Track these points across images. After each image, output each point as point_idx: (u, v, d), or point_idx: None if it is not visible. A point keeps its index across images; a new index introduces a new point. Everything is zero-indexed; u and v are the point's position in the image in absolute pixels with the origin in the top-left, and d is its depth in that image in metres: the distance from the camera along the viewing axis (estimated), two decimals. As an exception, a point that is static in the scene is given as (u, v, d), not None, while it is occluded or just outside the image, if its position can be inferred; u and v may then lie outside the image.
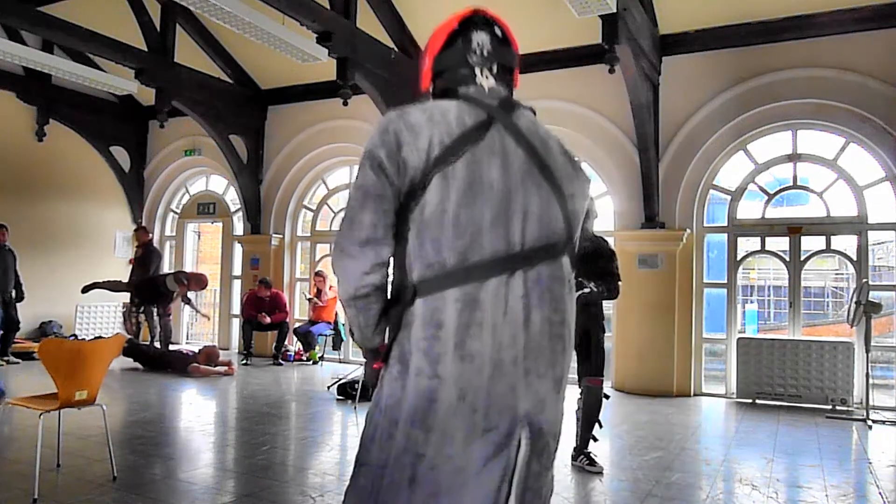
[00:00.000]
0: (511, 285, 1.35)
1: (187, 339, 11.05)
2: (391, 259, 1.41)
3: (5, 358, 8.33)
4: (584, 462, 4.29)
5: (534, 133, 1.48)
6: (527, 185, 1.41)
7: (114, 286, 9.22)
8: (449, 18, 1.55)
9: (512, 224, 1.37)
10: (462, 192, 1.35)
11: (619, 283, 4.39)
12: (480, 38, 1.53)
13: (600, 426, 4.41)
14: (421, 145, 1.37)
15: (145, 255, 9.54)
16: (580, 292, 4.10)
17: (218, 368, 8.09)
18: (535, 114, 1.57)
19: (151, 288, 8.91)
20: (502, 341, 1.33)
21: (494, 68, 1.53)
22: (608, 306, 9.49)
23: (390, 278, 1.44)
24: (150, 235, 10.07)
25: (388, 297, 1.43)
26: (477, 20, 1.54)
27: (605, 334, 4.50)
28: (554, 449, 1.46)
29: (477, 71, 1.52)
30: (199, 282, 8.98)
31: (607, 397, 4.48)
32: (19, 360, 8.35)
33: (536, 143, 1.46)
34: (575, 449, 4.37)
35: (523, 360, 1.35)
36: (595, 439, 4.38)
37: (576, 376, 4.34)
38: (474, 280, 1.33)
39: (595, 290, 4.26)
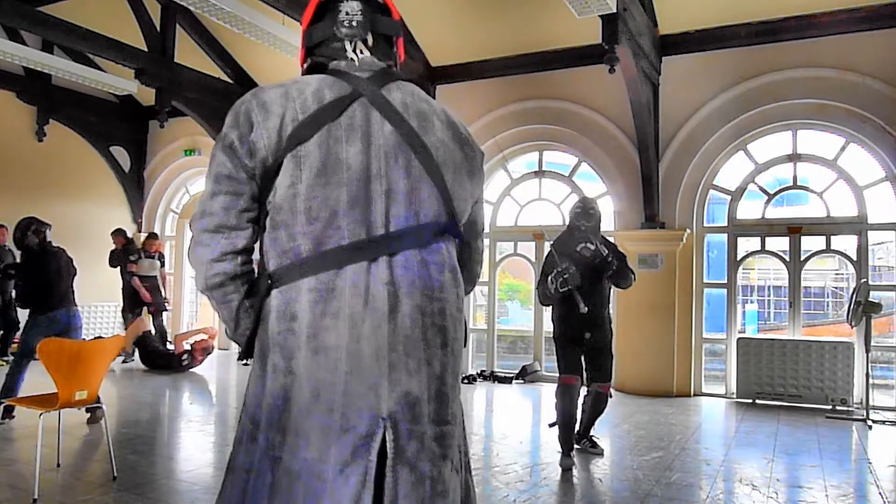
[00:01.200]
0: (373, 272, 1.23)
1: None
2: (253, 247, 1.32)
3: (5, 358, 8.32)
4: (586, 445, 4.69)
5: (410, 107, 1.35)
6: (392, 163, 1.28)
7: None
8: None
9: (374, 206, 1.26)
10: (315, 173, 1.24)
11: (629, 277, 4.58)
12: (350, 7, 1.38)
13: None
14: (272, 124, 1.26)
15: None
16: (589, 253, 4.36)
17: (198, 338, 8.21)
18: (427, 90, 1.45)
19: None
20: (362, 333, 1.21)
21: (369, 39, 1.39)
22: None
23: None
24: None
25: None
26: None
27: (557, 340, 4.59)
28: (443, 454, 1.26)
29: (347, 43, 1.38)
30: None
31: (611, 396, 4.72)
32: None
33: (412, 118, 1.34)
34: (577, 433, 4.60)
35: (388, 353, 1.21)
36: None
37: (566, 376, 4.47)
38: (330, 268, 1.23)
39: (614, 261, 4.44)
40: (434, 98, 8.62)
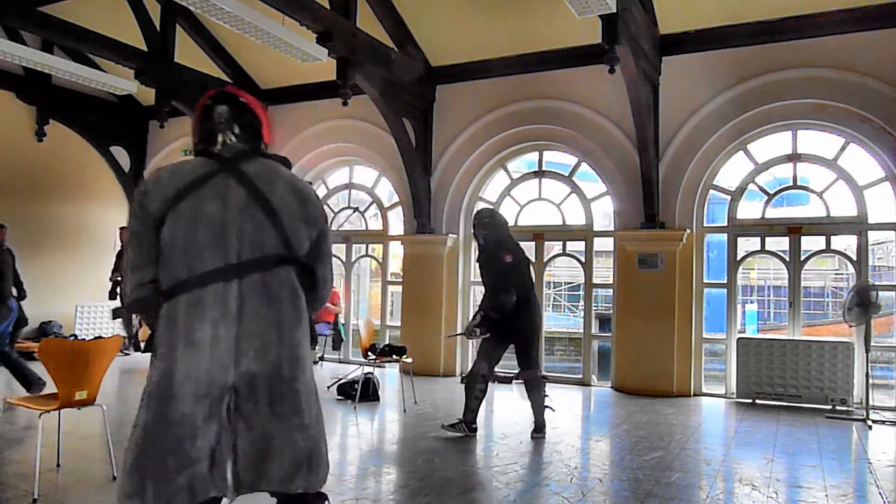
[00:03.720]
0: (228, 289, 1.82)
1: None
2: (158, 276, 1.88)
3: None
4: (533, 433, 5.08)
5: (261, 175, 1.93)
6: (243, 215, 1.87)
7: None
8: (204, 97, 2.06)
9: (229, 245, 1.84)
10: (186, 223, 1.84)
11: (504, 294, 4.89)
12: (221, 110, 2.01)
13: (552, 409, 5.25)
14: (161, 192, 1.87)
15: None
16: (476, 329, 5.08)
17: None
18: (288, 165, 2.07)
19: None
20: (219, 332, 1.79)
21: (236, 129, 2.00)
22: (608, 305, 9.51)
23: None
24: None
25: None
26: (219, 96, 2.04)
27: (534, 332, 5.17)
28: (273, 413, 1.83)
29: (220, 133, 1.99)
30: None
31: (546, 380, 5.25)
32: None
33: (260, 183, 1.91)
34: (535, 425, 5.11)
35: (234, 345, 1.80)
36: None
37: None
38: (199, 286, 1.81)
39: (478, 319, 5.08)
40: (434, 99, 8.67)
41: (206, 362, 1.78)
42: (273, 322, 1.85)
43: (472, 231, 5.22)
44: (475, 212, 5.28)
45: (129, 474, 1.77)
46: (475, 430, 5.08)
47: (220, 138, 1.99)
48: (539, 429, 5.10)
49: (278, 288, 1.88)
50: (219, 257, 1.83)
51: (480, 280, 5.36)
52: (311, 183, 2.15)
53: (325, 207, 1.93)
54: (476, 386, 5.05)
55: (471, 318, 5.28)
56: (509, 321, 4.94)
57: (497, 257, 4.97)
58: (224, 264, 1.83)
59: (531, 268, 5.36)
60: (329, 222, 2.10)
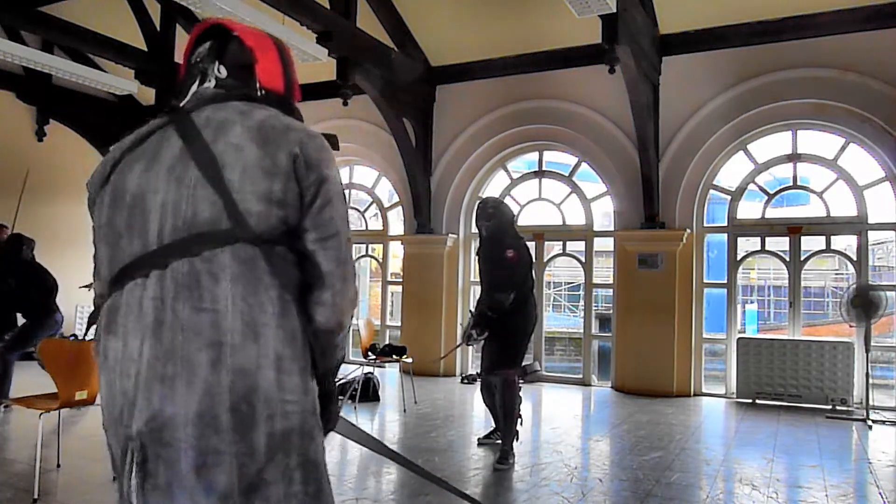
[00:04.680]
0: (146, 286, 1.21)
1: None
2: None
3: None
4: (497, 457, 4.35)
5: (211, 120, 1.30)
6: (169, 177, 1.25)
7: None
8: (191, 35, 1.51)
9: (149, 223, 1.24)
10: (107, 206, 1.30)
11: (501, 292, 4.43)
12: (202, 47, 1.45)
13: (520, 422, 4.55)
14: (97, 176, 1.37)
15: None
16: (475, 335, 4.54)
17: None
18: (291, 112, 1.44)
19: None
20: (129, 350, 1.20)
21: (220, 70, 1.41)
22: (608, 305, 9.51)
23: None
24: None
25: None
26: (203, 33, 1.47)
27: (525, 334, 4.61)
28: (214, 467, 1.16)
29: (194, 79, 1.42)
30: None
31: (522, 380, 4.66)
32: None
33: (207, 130, 1.28)
34: (501, 448, 4.40)
35: (147, 365, 1.18)
36: (517, 437, 4.54)
37: None
38: (117, 288, 1.25)
39: (473, 322, 4.59)
40: (434, 99, 8.65)
41: (114, 396, 1.23)
42: (204, 335, 1.18)
43: (476, 221, 4.75)
44: (480, 200, 4.84)
45: None
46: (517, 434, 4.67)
47: (191, 89, 1.41)
48: (504, 457, 4.29)
49: (213, 281, 1.19)
50: (138, 243, 1.24)
51: (478, 276, 4.87)
52: (329, 137, 1.47)
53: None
54: (495, 400, 4.63)
55: (466, 323, 4.87)
56: (503, 320, 4.50)
57: (498, 252, 4.51)
58: (141, 254, 1.24)
59: (533, 267, 4.94)
60: (333, 179, 1.36)
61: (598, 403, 6.99)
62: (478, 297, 4.86)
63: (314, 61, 6.93)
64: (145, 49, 8.16)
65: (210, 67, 1.41)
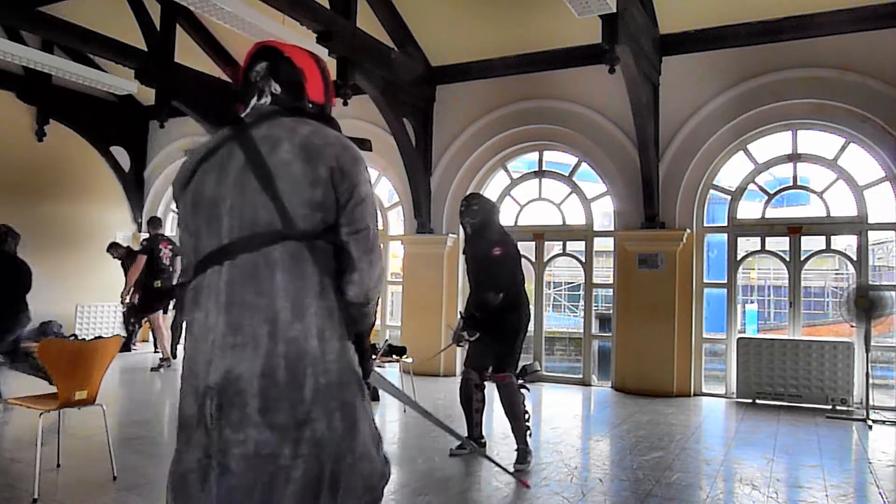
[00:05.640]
0: (221, 274, 1.57)
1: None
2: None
3: None
4: (514, 460, 4.26)
5: (267, 137, 1.63)
6: (236, 187, 1.60)
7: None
8: (246, 55, 1.82)
9: (221, 224, 1.60)
10: (189, 207, 1.67)
11: (490, 292, 4.28)
12: (259, 66, 1.77)
13: (528, 418, 4.42)
14: (179, 179, 1.72)
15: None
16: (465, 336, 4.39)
17: None
18: (331, 124, 1.76)
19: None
20: (209, 321, 1.56)
21: (275, 87, 1.75)
22: (608, 305, 9.50)
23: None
24: None
25: None
26: (258, 53, 1.79)
27: (518, 333, 4.44)
28: (267, 423, 1.51)
29: (253, 96, 1.76)
30: None
31: (527, 388, 4.49)
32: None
33: (264, 146, 1.61)
34: (518, 448, 4.35)
35: (221, 334, 1.53)
36: (530, 432, 4.45)
37: None
38: (200, 272, 1.62)
39: (463, 323, 4.42)
40: (434, 98, 8.65)
41: (193, 355, 1.58)
42: (263, 313, 1.52)
43: (460, 219, 4.58)
44: (464, 197, 4.68)
45: None
46: (484, 444, 4.65)
47: (251, 102, 1.75)
48: (523, 457, 4.26)
49: (270, 271, 1.55)
50: (214, 240, 1.60)
51: (467, 275, 4.70)
52: (363, 141, 1.63)
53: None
54: (473, 397, 4.55)
55: (456, 324, 4.54)
56: (494, 320, 4.33)
57: (484, 249, 4.36)
58: (217, 247, 1.59)
59: (521, 262, 4.71)
60: (361, 185, 1.65)
61: (598, 403, 6.99)
62: (467, 296, 4.64)
63: (314, 61, 6.94)
64: (145, 49, 8.16)
65: (267, 86, 1.75)
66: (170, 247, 8.66)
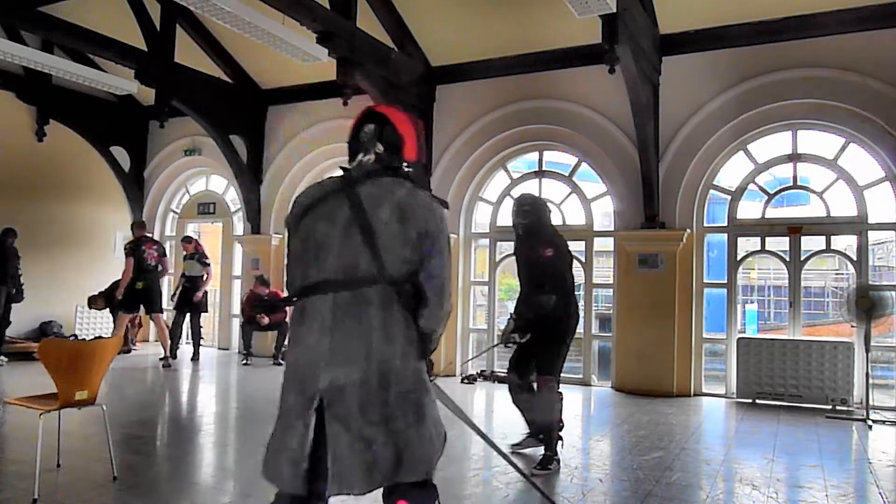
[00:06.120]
0: (325, 300, 1.98)
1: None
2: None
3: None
4: (536, 464, 4.23)
5: (371, 197, 2.02)
6: (343, 235, 2.01)
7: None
8: (357, 114, 2.23)
9: (328, 262, 2.01)
10: (300, 241, 2.10)
11: (542, 294, 4.31)
12: (367, 128, 2.16)
13: (561, 425, 4.43)
14: (295, 210, 2.15)
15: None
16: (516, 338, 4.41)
17: None
18: (420, 183, 2.17)
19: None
20: (315, 340, 1.97)
21: (379, 147, 2.13)
22: (608, 305, 9.49)
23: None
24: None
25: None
26: (367, 115, 2.21)
27: (565, 337, 4.42)
28: (366, 420, 1.92)
29: (360, 152, 2.15)
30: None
31: (560, 397, 4.44)
32: (5, 359, 8.33)
33: (368, 204, 2.01)
34: (544, 452, 4.33)
35: (327, 354, 1.95)
36: (561, 441, 4.43)
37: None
38: (306, 296, 2.04)
39: (514, 325, 4.43)
40: (434, 98, 8.65)
41: (303, 364, 1.99)
42: (362, 338, 1.95)
43: (512, 220, 4.57)
44: (516, 198, 4.69)
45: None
46: (542, 439, 4.51)
47: (358, 157, 2.15)
48: (546, 461, 4.22)
49: (366, 306, 1.97)
50: (321, 273, 2.01)
51: (518, 276, 4.67)
52: (442, 202, 2.04)
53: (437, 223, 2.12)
54: (520, 398, 4.55)
55: (506, 325, 4.52)
56: (547, 324, 4.34)
57: (536, 251, 4.37)
58: (323, 280, 2.00)
59: (573, 265, 4.65)
60: (440, 241, 2.09)
61: (598, 403, 6.99)
62: (517, 297, 4.58)
63: (314, 61, 6.95)
64: (145, 49, 8.17)
65: (372, 146, 2.14)
66: (154, 247, 8.81)
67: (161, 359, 8.51)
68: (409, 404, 2.00)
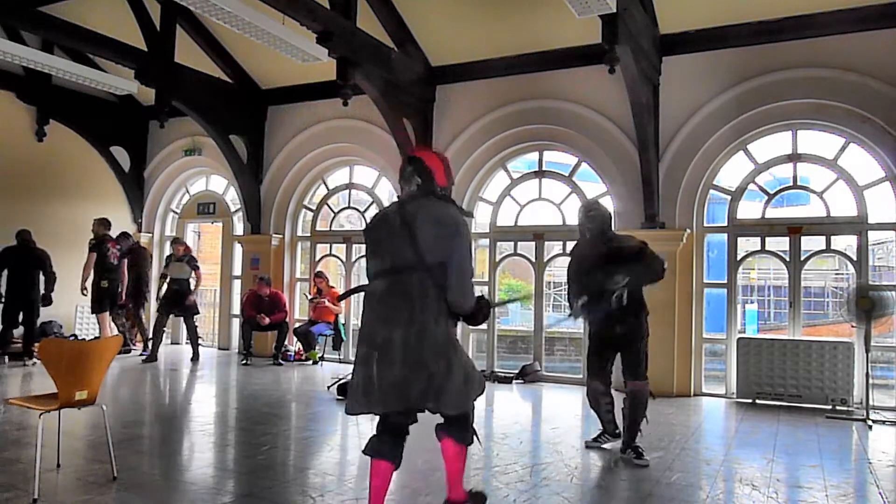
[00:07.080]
0: (384, 283, 2.98)
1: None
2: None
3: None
4: (631, 455, 4.51)
5: (412, 212, 2.96)
6: (396, 238, 2.95)
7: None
8: (404, 159, 3.20)
9: (386, 256, 3.00)
10: (371, 244, 3.11)
11: (652, 270, 4.72)
12: (408, 168, 3.11)
13: (646, 422, 4.71)
14: (367, 226, 3.18)
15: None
16: (615, 289, 4.63)
17: None
18: (448, 200, 3.11)
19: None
20: (376, 309, 2.96)
21: (417, 179, 3.07)
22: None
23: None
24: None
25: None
26: (407, 158, 3.17)
27: (644, 338, 4.87)
28: (408, 364, 2.84)
29: (405, 184, 3.12)
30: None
31: (653, 397, 4.93)
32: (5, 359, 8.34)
33: (410, 217, 2.95)
34: (624, 443, 4.65)
35: (384, 317, 2.91)
36: (641, 433, 4.68)
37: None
38: (374, 280, 3.05)
39: (621, 283, 4.63)
40: (434, 99, 8.65)
41: (370, 324, 2.95)
42: (406, 308, 2.86)
43: (579, 226, 5.06)
44: (582, 204, 5.24)
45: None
46: (619, 434, 4.84)
47: (405, 188, 3.11)
48: (629, 447, 4.58)
49: (410, 286, 2.88)
50: (380, 264, 3.01)
51: (577, 278, 4.98)
52: (467, 213, 3.25)
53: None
54: (601, 402, 4.88)
55: (577, 300, 4.77)
56: (615, 325, 4.69)
57: (603, 247, 4.80)
58: (382, 269, 2.99)
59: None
60: (461, 242, 2.96)
61: (598, 403, 6.97)
62: (582, 280, 4.86)
63: (314, 61, 6.94)
64: (145, 49, 8.16)
65: (413, 179, 3.09)
66: (117, 247, 8.98)
67: (142, 354, 9.00)
68: (440, 356, 2.87)
